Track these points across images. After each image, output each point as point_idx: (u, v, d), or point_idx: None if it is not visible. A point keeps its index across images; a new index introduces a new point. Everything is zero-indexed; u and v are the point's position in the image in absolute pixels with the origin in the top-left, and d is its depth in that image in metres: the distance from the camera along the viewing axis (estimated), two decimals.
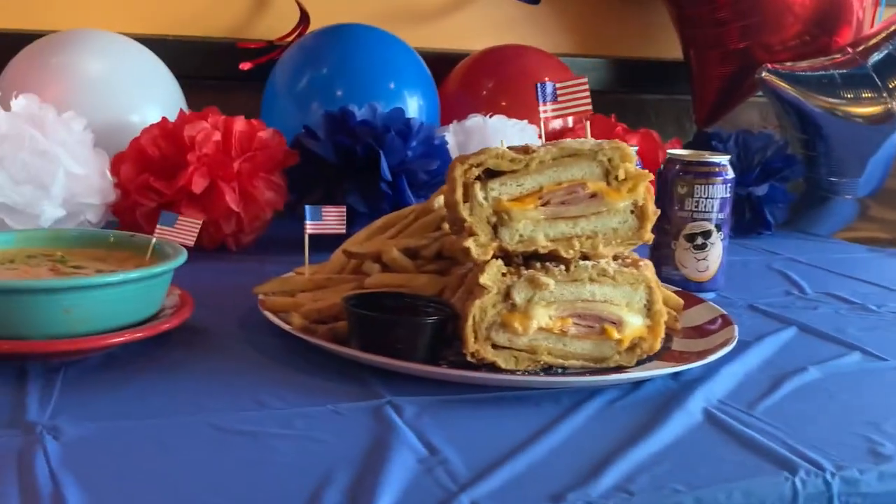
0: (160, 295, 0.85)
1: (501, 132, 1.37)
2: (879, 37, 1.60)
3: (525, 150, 0.83)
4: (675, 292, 1.02)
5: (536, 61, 1.61)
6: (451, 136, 1.39)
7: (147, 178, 1.16)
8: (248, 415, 0.70)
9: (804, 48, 1.67)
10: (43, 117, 1.13)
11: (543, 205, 0.82)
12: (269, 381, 0.77)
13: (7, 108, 1.12)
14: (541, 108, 0.88)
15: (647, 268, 0.85)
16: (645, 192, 0.83)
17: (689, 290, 1.08)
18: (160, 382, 0.76)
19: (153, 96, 1.39)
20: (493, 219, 0.81)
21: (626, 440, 0.69)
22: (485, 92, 1.57)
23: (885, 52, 1.58)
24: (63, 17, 1.50)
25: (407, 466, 0.62)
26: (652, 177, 0.84)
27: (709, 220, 1.10)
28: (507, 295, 0.80)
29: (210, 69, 1.56)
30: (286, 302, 0.90)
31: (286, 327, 0.84)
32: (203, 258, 1.18)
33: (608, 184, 0.83)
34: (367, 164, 1.23)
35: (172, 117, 1.25)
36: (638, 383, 0.81)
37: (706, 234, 1.10)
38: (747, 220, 1.53)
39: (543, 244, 0.81)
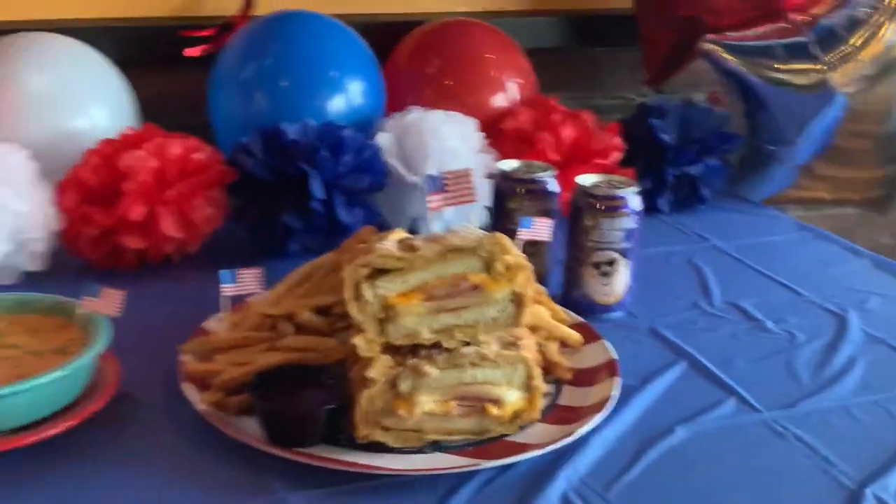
0: (75, 388, 0.92)
1: (437, 128, 1.41)
2: (822, 9, 1.60)
3: (410, 247, 0.89)
4: (576, 325, 1.10)
5: (480, 39, 1.62)
6: (390, 132, 1.43)
7: (86, 208, 1.22)
8: None
9: (752, 13, 1.67)
10: None
11: (428, 299, 0.89)
12: (176, 471, 0.86)
13: None
14: (428, 199, 0.93)
15: (527, 348, 0.93)
16: (523, 280, 0.90)
17: (597, 313, 1.17)
18: (69, 482, 0.84)
19: (99, 97, 1.43)
20: (381, 315, 0.89)
21: None
22: (430, 70, 1.59)
23: (827, 24, 1.59)
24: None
25: None
26: (531, 268, 0.91)
27: (614, 249, 1.16)
28: (393, 384, 0.88)
29: (156, 53, 1.58)
30: (205, 369, 0.99)
31: (200, 408, 0.93)
32: (147, 275, 1.26)
33: (489, 274, 0.90)
34: (301, 181, 1.28)
35: (120, 117, 1.30)
36: None
37: (611, 263, 1.16)
38: (685, 195, 1.58)
39: (427, 336, 0.89)
